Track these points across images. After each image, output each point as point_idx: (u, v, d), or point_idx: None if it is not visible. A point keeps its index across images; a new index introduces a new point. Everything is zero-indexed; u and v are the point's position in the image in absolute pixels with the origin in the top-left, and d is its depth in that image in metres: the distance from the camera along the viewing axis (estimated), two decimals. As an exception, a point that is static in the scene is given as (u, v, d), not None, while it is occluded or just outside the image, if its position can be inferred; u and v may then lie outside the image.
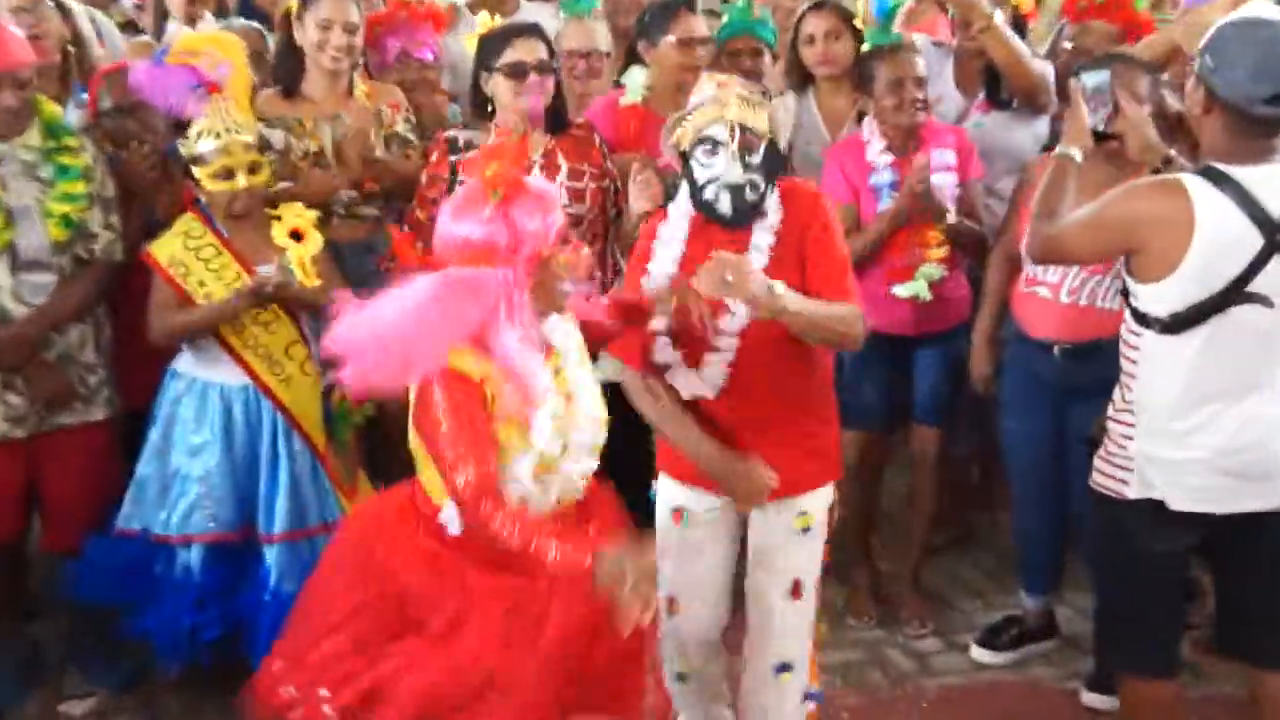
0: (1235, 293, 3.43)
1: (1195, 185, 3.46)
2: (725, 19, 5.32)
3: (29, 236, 4.36)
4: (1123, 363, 3.71)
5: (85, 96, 4.98)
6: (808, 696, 4.02)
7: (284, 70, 4.92)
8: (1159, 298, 3.53)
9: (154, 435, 4.51)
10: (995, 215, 4.87)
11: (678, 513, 3.94)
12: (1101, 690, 4.53)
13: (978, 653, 4.81)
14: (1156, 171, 3.90)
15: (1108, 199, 3.66)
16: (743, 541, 3.97)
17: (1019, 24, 5.39)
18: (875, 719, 4.52)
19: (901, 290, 4.59)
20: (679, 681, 4.04)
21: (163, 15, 5.96)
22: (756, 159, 3.71)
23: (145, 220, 4.60)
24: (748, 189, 3.69)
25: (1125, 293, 3.65)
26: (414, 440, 3.18)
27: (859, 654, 4.90)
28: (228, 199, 4.37)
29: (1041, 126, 5.20)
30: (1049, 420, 4.55)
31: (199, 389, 4.47)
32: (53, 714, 4.60)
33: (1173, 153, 3.89)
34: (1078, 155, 3.82)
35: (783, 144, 4.48)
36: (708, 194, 3.70)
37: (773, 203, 3.79)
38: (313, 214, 4.50)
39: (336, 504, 4.51)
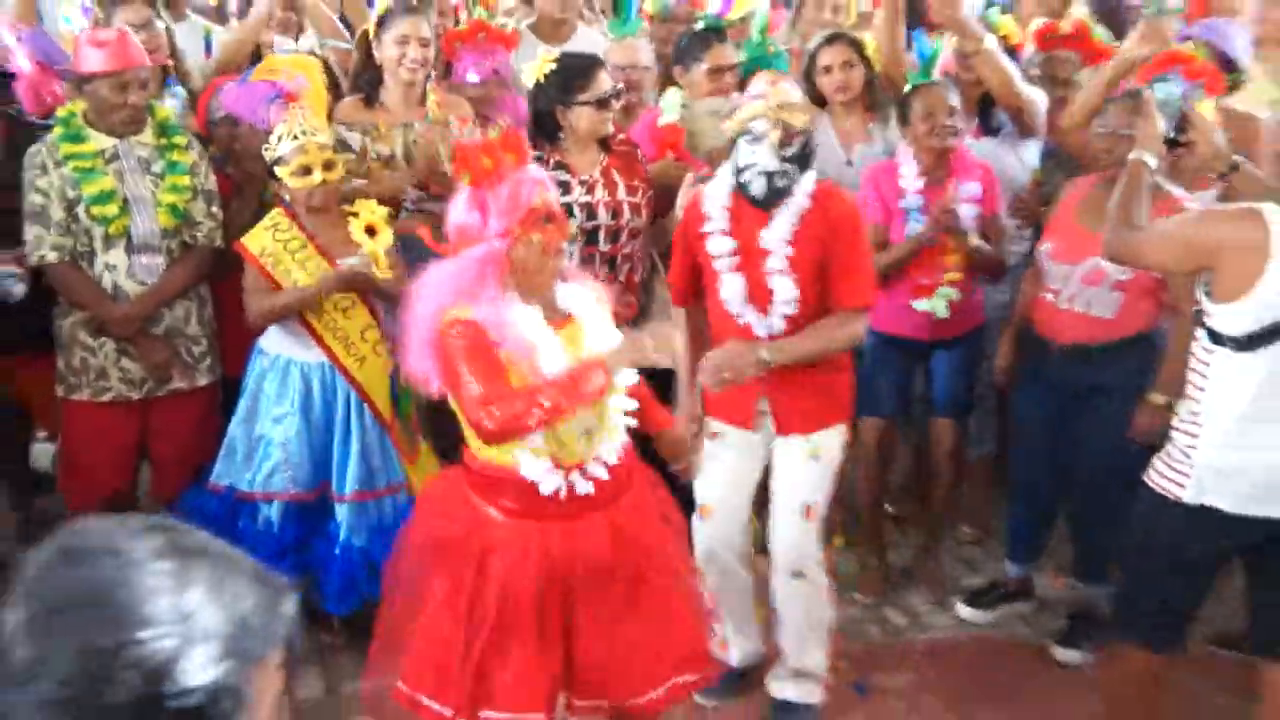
0: None
1: (1272, 214, 3.39)
2: (744, 56, 5.26)
3: (142, 223, 4.45)
4: (1191, 376, 3.63)
5: (179, 89, 5.07)
6: None
7: (364, 81, 4.93)
8: (1234, 317, 3.47)
9: (242, 404, 4.56)
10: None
11: (714, 434, 4.10)
12: (1071, 646, 4.60)
13: (963, 611, 4.85)
14: (1223, 177, 3.85)
15: (1189, 218, 3.63)
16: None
17: (1010, 53, 5.30)
18: (873, 667, 4.55)
19: (921, 305, 4.60)
20: (708, 568, 4.16)
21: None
22: (791, 151, 3.87)
23: (253, 214, 4.64)
24: (778, 177, 3.86)
25: (1199, 313, 3.56)
26: (452, 402, 3.19)
27: (859, 611, 4.91)
28: (306, 194, 4.37)
29: (1029, 152, 5.15)
30: (1048, 412, 4.53)
31: (282, 365, 4.51)
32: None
33: (1239, 159, 3.81)
34: (1152, 161, 3.77)
35: None
36: (745, 176, 3.87)
37: (803, 191, 3.92)
38: (385, 211, 4.53)
39: (400, 470, 4.57)
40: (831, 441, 4.10)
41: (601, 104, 4.40)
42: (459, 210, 3.16)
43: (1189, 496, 3.55)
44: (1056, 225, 4.56)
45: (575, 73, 4.44)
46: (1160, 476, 3.64)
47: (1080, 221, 4.40)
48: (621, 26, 5.33)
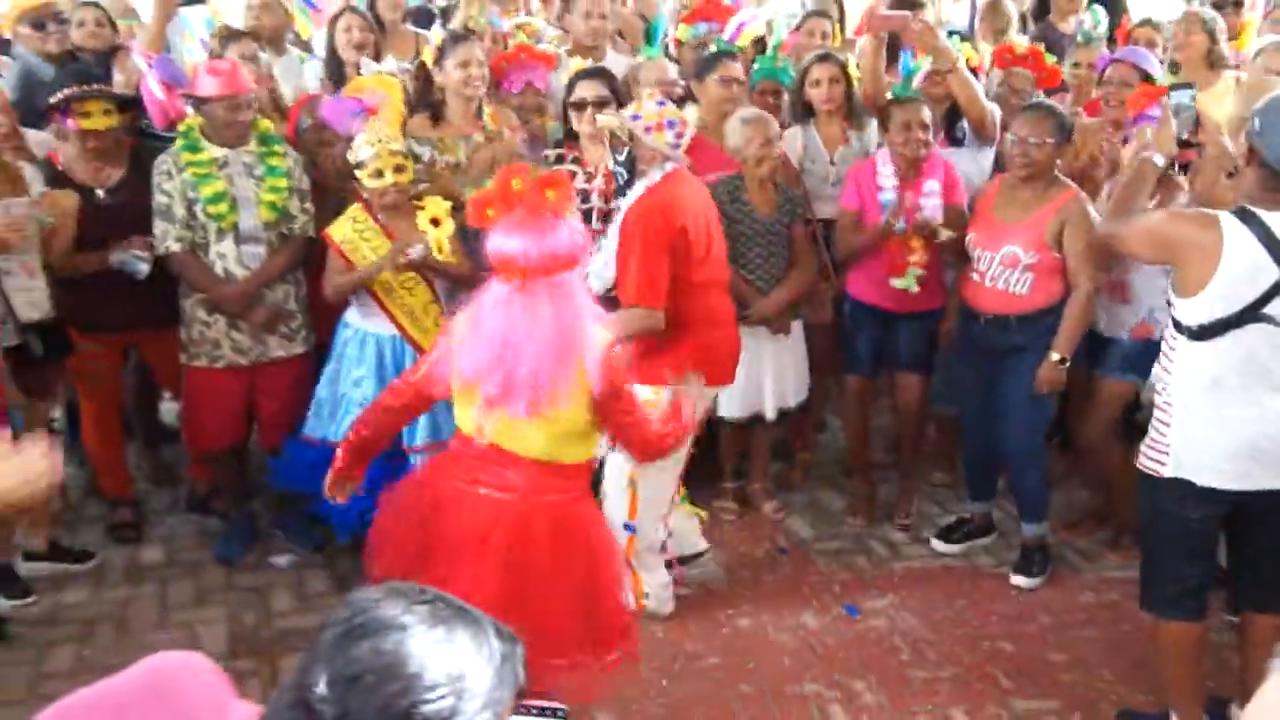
0: (1251, 313, 3.43)
1: (1228, 221, 3.42)
2: (756, 66, 5.57)
3: (248, 218, 4.68)
4: (1162, 361, 3.69)
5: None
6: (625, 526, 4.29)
7: (428, 103, 5.14)
8: (1191, 310, 3.51)
9: (328, 368, 4.72)
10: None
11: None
12: (1023, 573, 4.87)
13: (935, 544, 5.12)
14: (1230, 175, 3.83)
15: (1163, 218, 3.65)
16: None
17: (972, 73, 5.46)
18: (859, 590, 4.80)
19: (897, 283, 4.89)
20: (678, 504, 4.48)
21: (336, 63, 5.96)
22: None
23: (336, 209, 4.73)
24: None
25: (1170, 304, 3.61)
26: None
27: (848, 543, 5.20)
28: (380, 192, 4.50)
29: (986, 159, 5.35)
30: (981, 372, 4.77)
31: (360, 336, 4.66)
32: (264, 564, 4.95)
33: (1242, 163, 3.72)
34: (1160, 160, 3.78)
35: (795, 163, 4.86)
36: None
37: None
38: (447, 205, 4.62)
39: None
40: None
41: (577, 106, 4.62)
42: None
43: (1168, 472, 3.63)
44: (977, 218, 4.78)
45: (571, 84, 4.70)
46: (1146, 457, 3.71)
47: (996, 214, 4.66)
48: (651, 50, 5.61)
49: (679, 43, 5.98)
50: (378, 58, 5.80)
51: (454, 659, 1.46)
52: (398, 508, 3.43)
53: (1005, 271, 4.65)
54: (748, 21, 6.19)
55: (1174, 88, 4.06)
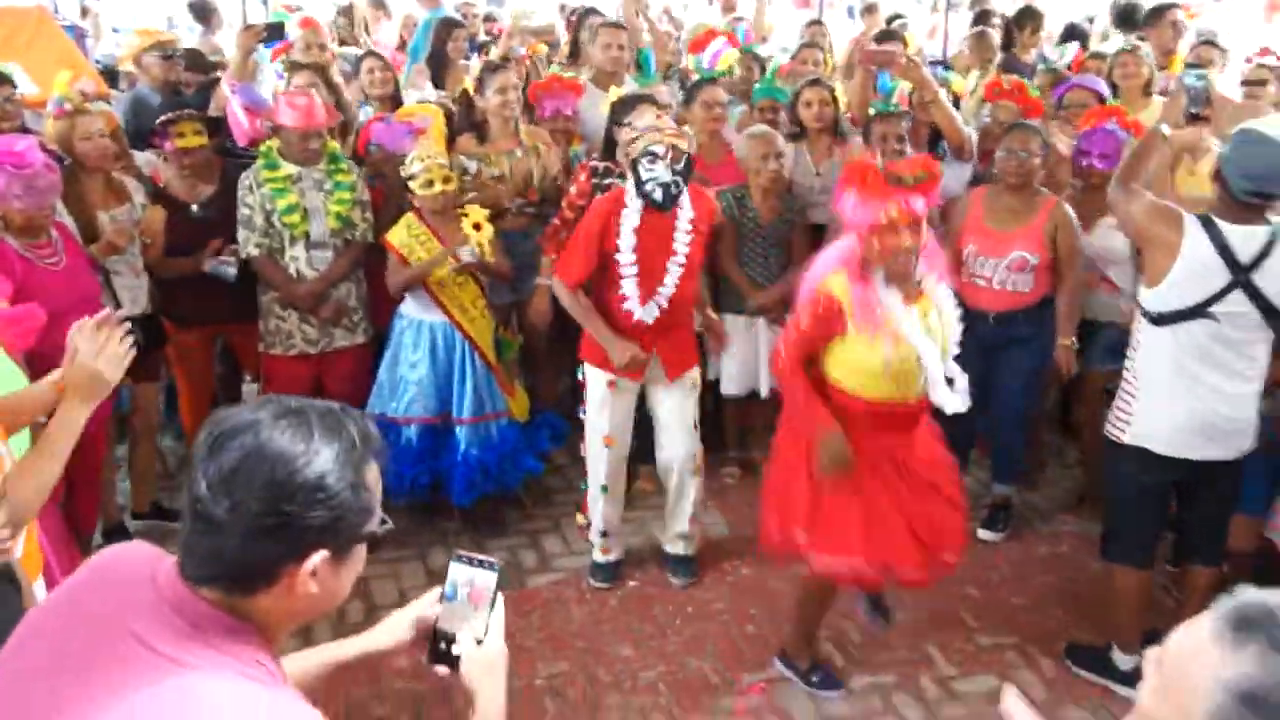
0: (1201, 310, 3.53)
1: (1191, 223, 3.52)
2: (759, 84, 5.80)
3: (317, 227, 4.87)
4: (1131, 341, 3.79)
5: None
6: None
7: (472, 124, 5.40)
8: (1153, 298, 3.62)
9: (387, 353, 4.92)
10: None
11: (612, 383, 4.44)
12: (990, 529, 5.09)
13: None
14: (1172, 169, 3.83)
15: (1149, 205, 3.67)
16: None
17: (955, 101, 5.77)
18: None
19: None
20: (603, 492, 4.58)
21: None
22: (679, 166, 4.13)
23: (396, 215, 4.93)
24: (673, 186, 4.14)
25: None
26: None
27: None
28: (429, 200, 4.69)
29: (965, 171, 5.51)
30: (975, 366, 4.58)
31: (415, 324, 4.86)
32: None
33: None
34: (1167, 131, 3.76)
35: (786, 175, 5.06)
36: (648, 188, 4.12)
37: (685, 196, 4.24)
38: (486, 212, 4.84)
39: (503, 400, 4.95)
40: (695, 374, 4.52)
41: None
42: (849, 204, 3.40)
43: (1129, 439, 3.76)
44: (972, 230, 4.84)
45: (627, 104, 4.75)
46: (1111, 425, 3.83)
47: (991, 225, 4.79)
48: (645, 79, 5.77)
49: (688, 71, 6.19)
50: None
51: (308, 435, 1.54)
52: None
53: (1013, 275, 4.78)
54: (721, 50, 6.49)
55: (1189, 67, 4.14)
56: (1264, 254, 3.49)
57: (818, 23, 8.33)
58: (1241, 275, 3.49)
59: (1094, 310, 5.04)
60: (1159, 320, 3.63)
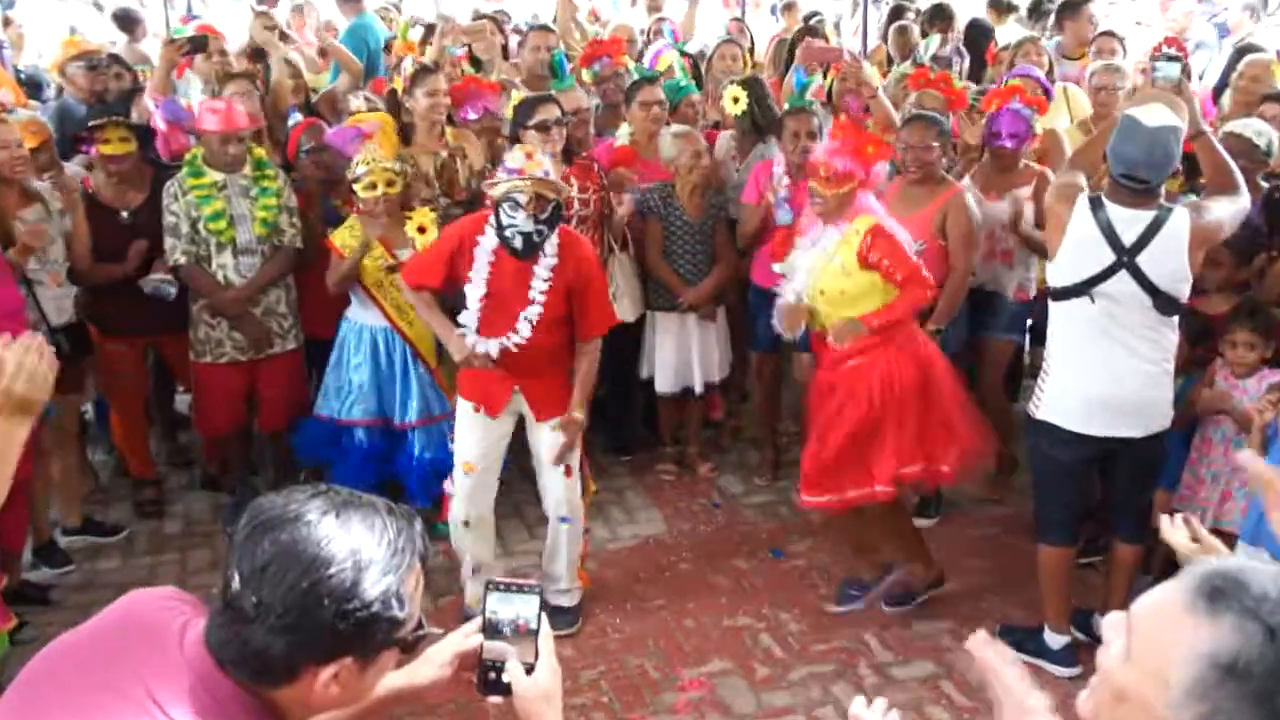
0: (1088, 287, 3.62)
1: (1081, 202, 3.63)
2: (667, 83, 5.77)
3: (244, 233, 4.86)
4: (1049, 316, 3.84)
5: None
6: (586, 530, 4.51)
7: (400, 127, 5.26)
8: (1051, 273, 3.75)
9: (333, 356, 4.92)
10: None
11: (477, 407, 4.27)
12: (923, 516, 5.11)
13: None
14: (1194, 138, 3.76)
15: (1055, 184, 3.81)
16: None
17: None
18: (783, 536, 5.05)
19: (778, 267, 4.70)
20: (465, 527, 4.35)
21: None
22: (544, 215, 3.97)
23: (329, 218, 5.00)
24: (534, 235, 3.98)
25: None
26: None
27: (773, 496, 5.42)
28: (373, 203, 4.71)
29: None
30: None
31: (358, 328, 4.89)
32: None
33: (1205, 128, 3.86)
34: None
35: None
36: (507, 234, 3.98)
37: (552, 244, 4.05)
38: (434, 215, 4.83)
39: (445, 400, 4.86)
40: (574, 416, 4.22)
41: (542, 127, 4.65)
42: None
43: (1040, 415, 3.83)
44: None
45: (526, 106, 4.78)
46: (1031, 402, 3.94)
47: (894, 213, 4.66)
48: (561, 84, 5.76)
49: (582, 82, 6.13)
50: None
51: (348, 538, 1.50)
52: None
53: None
54: (663, 49, 6.49)
55: (1165, 59, 4.18)
56: (1148, 237, 3.57)
57: (739, 20, 8.37)
58: (1125, 256, 3.56)
59: (994, 281, 5.09)
60: (1058, 295, 3.71)
